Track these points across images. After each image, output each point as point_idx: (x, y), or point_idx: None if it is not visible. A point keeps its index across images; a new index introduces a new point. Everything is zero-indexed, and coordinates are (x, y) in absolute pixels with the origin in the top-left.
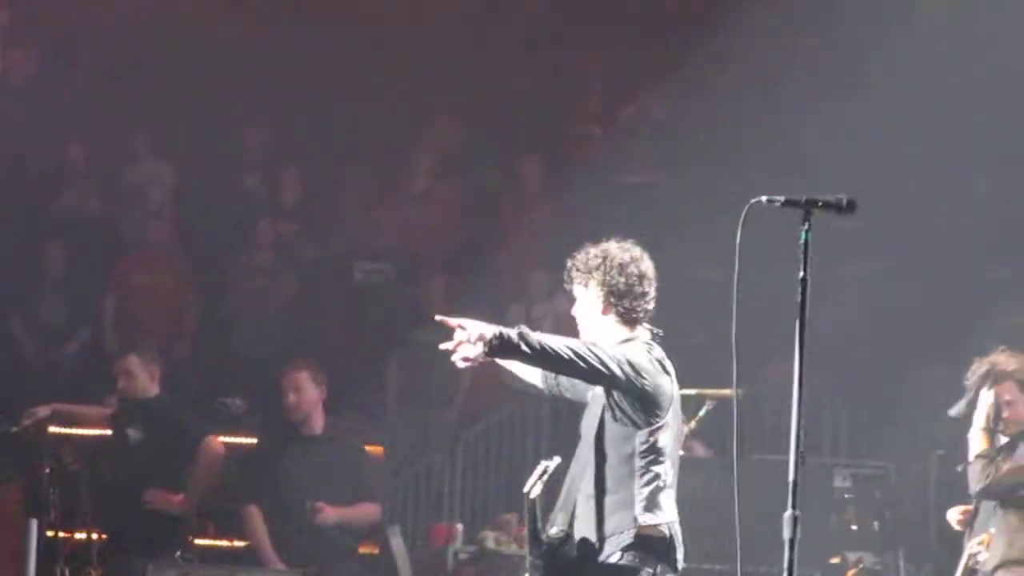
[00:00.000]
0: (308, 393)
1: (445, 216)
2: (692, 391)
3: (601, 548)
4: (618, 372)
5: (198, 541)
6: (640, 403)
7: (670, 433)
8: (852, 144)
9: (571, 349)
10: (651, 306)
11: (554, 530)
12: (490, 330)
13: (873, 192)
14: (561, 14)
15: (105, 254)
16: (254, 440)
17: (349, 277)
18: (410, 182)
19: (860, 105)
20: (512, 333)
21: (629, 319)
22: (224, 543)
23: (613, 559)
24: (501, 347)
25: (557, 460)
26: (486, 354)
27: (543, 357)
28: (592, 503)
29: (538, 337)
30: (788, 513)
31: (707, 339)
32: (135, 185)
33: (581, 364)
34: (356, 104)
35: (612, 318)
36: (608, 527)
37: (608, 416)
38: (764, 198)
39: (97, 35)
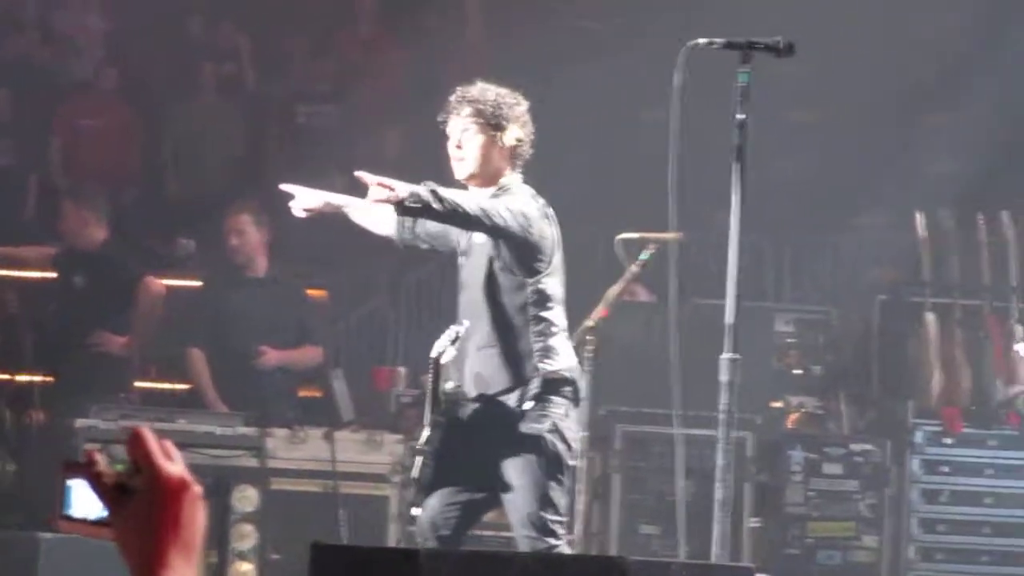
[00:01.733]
0: (250, 236)
1: (390, 59)
2: (635, 235)
3: (509, 400)
4: (515, 226)
5: (141, 383)
6: (530, 252)
7: (557, 277)
8: None
9: (479, 206)
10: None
11: (449, 385)
12: (404, 188)
13: (816, 36)
14: None
15: (50, 100)
16: (198, 283)
17: (292, 120)
18: (355, 25)
19: None
20: (424, 191)
21: (515, 167)
22: (167, 385)
23: (524, 407)
24: (414, 206)
25: (467, 324)
26: (399, 212)
27: (452, 214)
28: (491, 354)
29: (447, 194)
30: (725, 356)
31: (654, 183)
32: (77, 30)
33: (486, 221)
34: None
35: (505, 164)
36: (512, 378)
37: (497, 267)
38: (703, 40)
39: None
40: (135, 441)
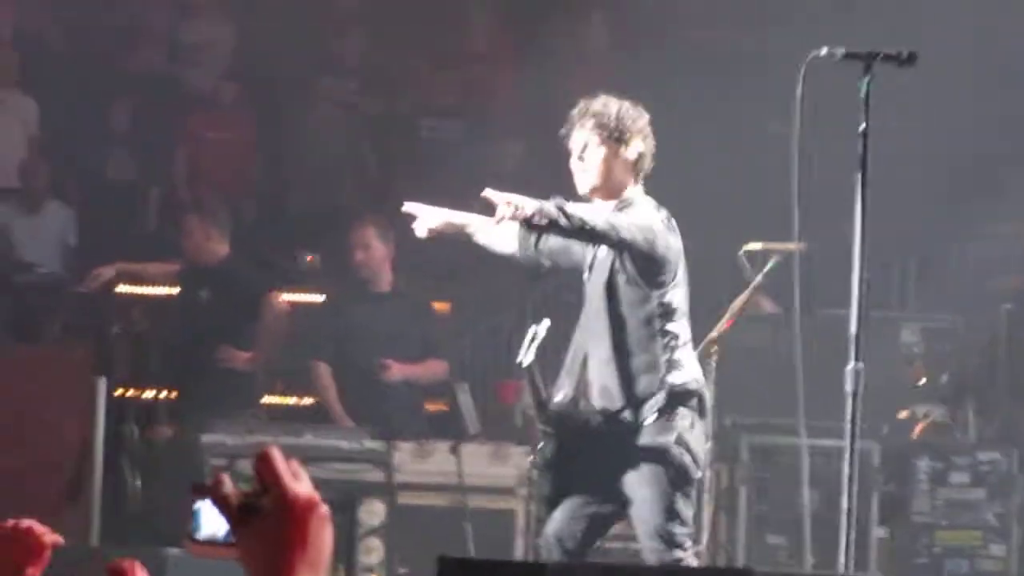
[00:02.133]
0: (376, 250)
1: (511, 74)
2: (758, 246)
3: (635, 412)
4: (641, 240)
5: (267, 399)
6: (655, 265)
7: (681, 290)
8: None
9: (606, 221)
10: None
11: (560, 396)
12: (532, 205)
13: (938, 45)
14: None
15: (172, 113)
16: (321, 297)
17: (416, 134)
18: (478, 39)
19: None
20: (551, 207)
21: (637, 180)
22: (293, 400)
23: (648, 420)
24: (541, 222)
25: (547, 323)
26: (526, 229)
27: (580, 230)
28: (613, 368)
29: (574, 209)
30: (850, 366)
31: (778, 194)
32: (197, 44)
33: (612, 235)
34: None
35: (628, 177)
36: (638, 389)
37: (621, 279)
38: (824, 50)
39: None
40: (263, 461)
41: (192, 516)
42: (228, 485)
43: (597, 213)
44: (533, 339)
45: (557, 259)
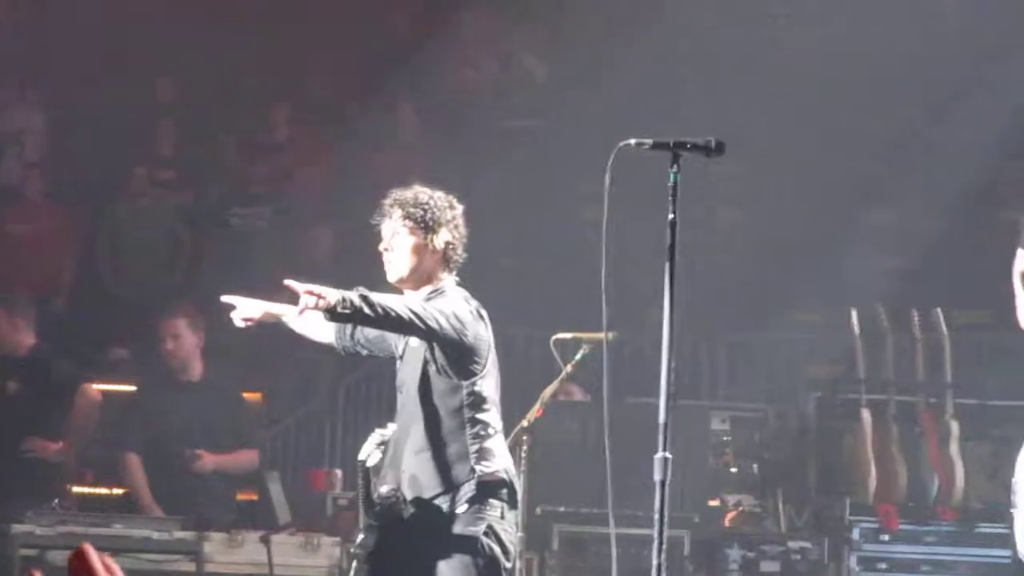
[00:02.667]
0: (186, 340)
1: (314, 165)
2: (568, 335)
3: (445, 502)
4: (448, 328)
5: (77, 489)
6: (463, 355)
7: (492, 380)
8: (736, 83)
9: (410, 310)
10: (462, 260)
11: (384, 489)
12: (334, 295)
13: (752, 133)
14: None
15: None
16: (132, 387)
17: (227, 222)
18: (272, 131)
19: (743, 45)
20: (354, 297)
21: (448, 269)
22: (103, 491)
23: (459, 510)
24: (344, 311)
25: (393, 427)
26: (329, 319)
27: (384, 320)
28: (426, 457)
29: (378, 299)
30: (659, 455)
31: (589, 283)
32: (6, 133)
33: (419, 324)
34: (229, 54)
35: (437, 267)
36: (447, 481)
37: (431, 370)
38: (633, 141)
39: None
40: (78, 558)
41: None
42: None
43: (403, 302)
44: (381, 443)
45: (373, 348)
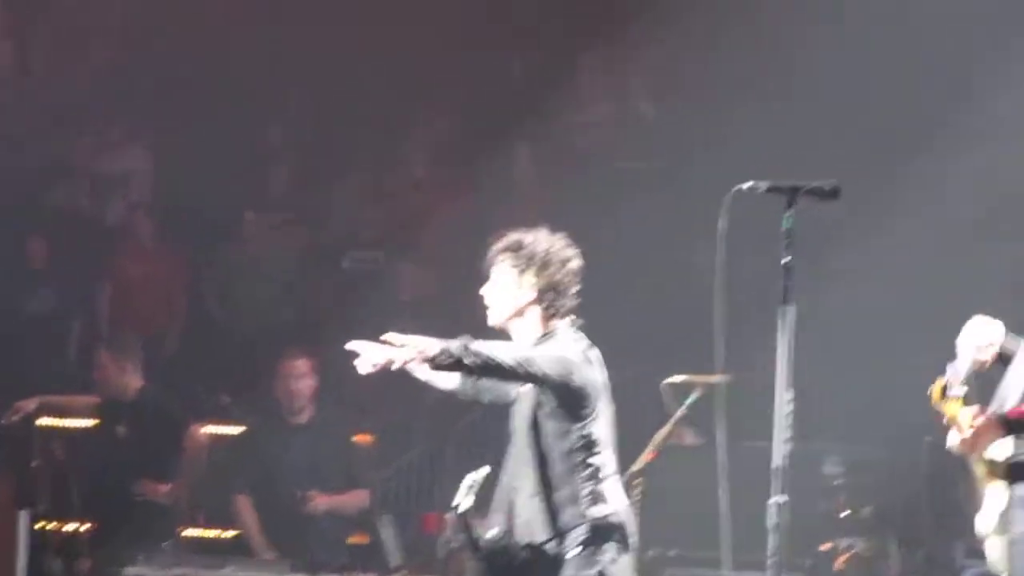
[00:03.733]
0: (307, 380)
1: (440, 205)
2: (680, 377)
3: (557, 546)
4: (554, 375)
5: (188, 532)
6: (574, 398)
7: (603, 421)
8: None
9: (514, 357)
10: (576, 303)
11: (492, 533)
12: (435, 346)
13: (869, 178)
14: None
15: (91, 246)
16: (242, 429)
17: (338, 266)
18: (407, 171)
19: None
20: (456, 346)
21: (552, 313)
22: (214, 533)
23: (571, 554)
24: (447, 361)
25: (486, 470)
26: (432, 368)
27: (487, 368)
28: (538, 502)
29: (482, 347)
30: (773, 499)
31: (703, 324)
32: (113, 175)
33: (521, 371)
34: (349, 92)
35: (537, 311)
36: (559, 524)
37: (541, 414)
38: (747, 184)
39: (96, 32)
40: None
41: None
42: None
43: (506, 349)
44: (472, 486)
45: (494, 395)
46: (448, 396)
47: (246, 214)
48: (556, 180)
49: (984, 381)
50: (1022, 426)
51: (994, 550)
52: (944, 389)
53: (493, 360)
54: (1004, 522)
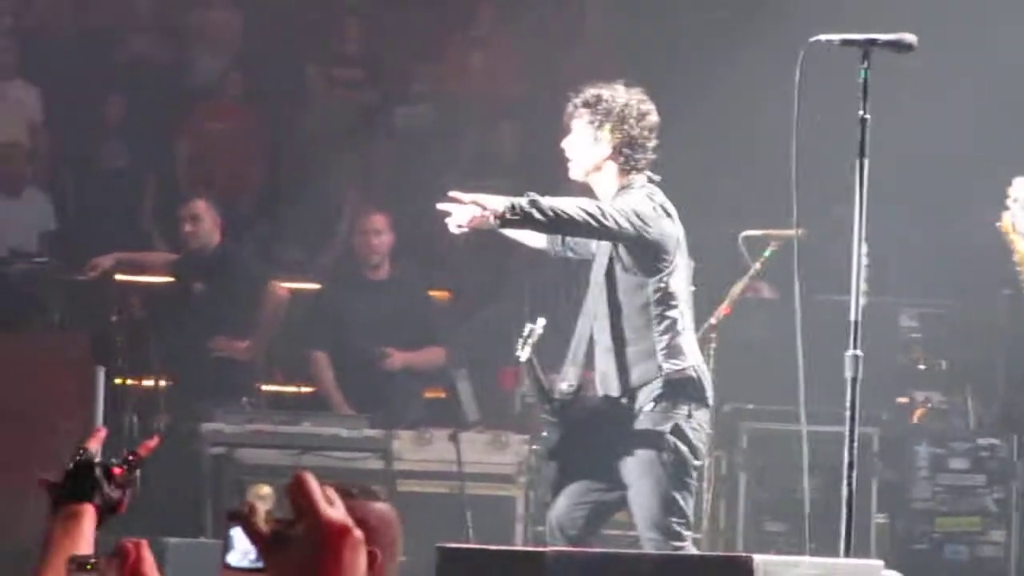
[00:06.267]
0: (386, 237)
1: (505, 63)
2: (757, 232)
3: (631, 400)
4: (627, 227)
5: (265, 387)
6: (649, 252)
7: (681, 275)
8: None
9: (584, 211)
10: (653, 157)
11: (564, 385)
12: (502, 203)
13: (934, 30)
14: None
15: (170, 102)
16: (318, 285)
17: (392, 123)
18: (470, 28)
19: None
20: (523, 203)
21: (629, 168)
22: (292, 389)
23: (647, 408)
24: (515, 218)
25: (542, 322)
26: (500, 226)
27: (556, 223)
28: (614, 354)
29: (549, 203)
30: (849, 352)
31: (777, 180)
32: (200, 31)
33: (594, 224)
34: None
35: (614, 165)
36: (633, 378)
37: (618, 267)
38: (823, 37)
39: None
40: (297, 487)
41: (226, 542)
42: (260, 514)
43: (577, 204)
44: (529, 336)
45: (580, 251)
46: (537, 254)
47: (308, 69)
48: (625, 30)
49: None
50: None
51: None
52: (1014, 225)
53: (564, 214)
54: None
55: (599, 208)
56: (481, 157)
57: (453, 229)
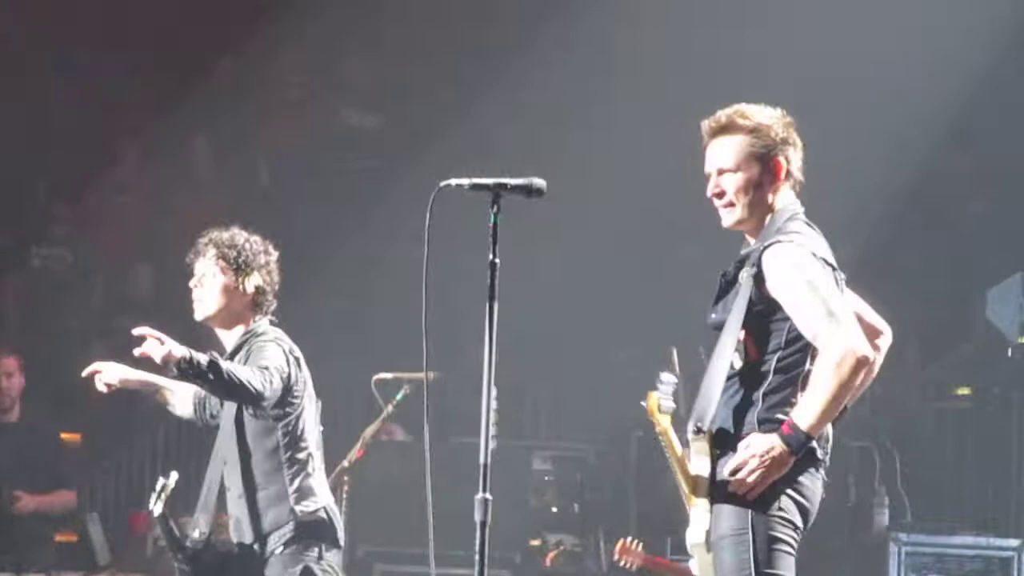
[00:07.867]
0: (16, 380)
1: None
2: (389, 375)
3: (263, 545)
4: (279, 386)
5: None
6: (279, 397)
7: (308, 416)
8: (545, 126)
9: (249, 381)
10: (275, 302)
11: (196, 533)
12: (181, 351)
13: (568, 173)
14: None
15: None
16: None
17: (27, 264)
18: (113, 172)
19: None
20: (203, 359)
21: (259, 312)
22: None
23: (277, 552)
24: (190, 370)
25: (175, 476)
26: (175, 376)
27: (226, 387)
28: (246, 501)
29: (227, 367)
30: (479, 496)
31: (410, 323)
32: None
33: (252, 392)
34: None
35: (247, 309)
36: (266, 524)
37: (246, 414)
38: (453, 181)
39: None
40: None
41: None
42: None
43: (244, 370)
44: (162, 490)
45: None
46: (181, 420)
47: None
48: (245, 176)
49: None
50: None
51: (702, 567)
52: (659, 405)
53: (233, 379)
54: (709, 540)
55: (263, 373)
56: (115, 298)
57: (100, 387)
